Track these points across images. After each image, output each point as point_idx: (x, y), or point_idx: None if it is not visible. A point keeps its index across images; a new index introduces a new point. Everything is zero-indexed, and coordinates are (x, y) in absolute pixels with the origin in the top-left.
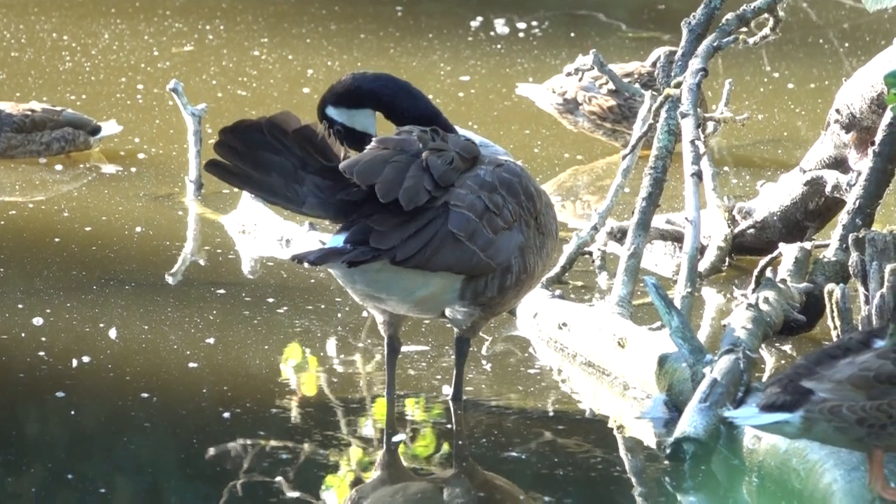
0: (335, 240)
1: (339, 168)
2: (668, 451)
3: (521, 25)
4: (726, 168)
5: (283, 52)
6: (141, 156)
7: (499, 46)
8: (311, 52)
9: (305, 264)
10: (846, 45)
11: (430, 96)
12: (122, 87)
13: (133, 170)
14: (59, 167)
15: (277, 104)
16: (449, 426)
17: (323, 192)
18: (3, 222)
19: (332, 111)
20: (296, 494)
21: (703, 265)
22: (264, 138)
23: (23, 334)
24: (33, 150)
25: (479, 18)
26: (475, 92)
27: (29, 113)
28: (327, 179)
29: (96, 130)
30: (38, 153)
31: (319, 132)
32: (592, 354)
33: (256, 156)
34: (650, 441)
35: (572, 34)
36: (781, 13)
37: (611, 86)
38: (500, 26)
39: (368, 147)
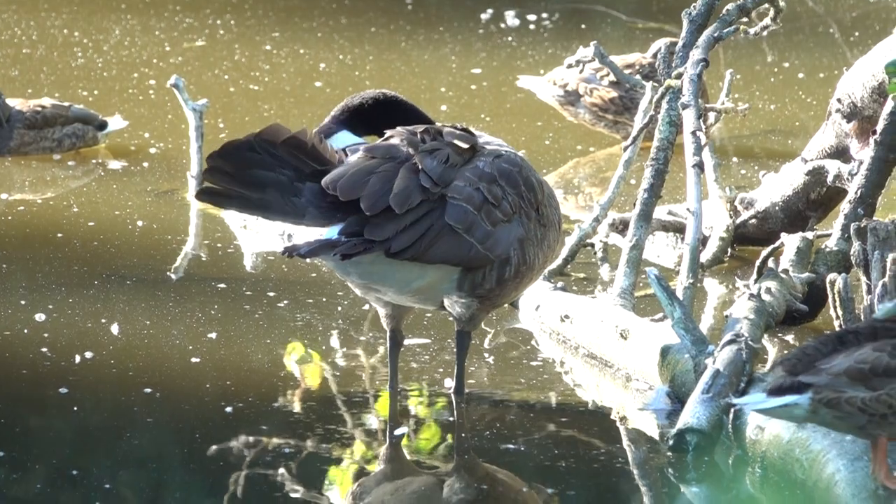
0: (331, 231)
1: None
2: (670, 442)
3: (532, 17)
4: (735, 159)
5: (295, 47)
6: (152, 151)
7: (509, 39)
8: (322, 46)
9: (297, 257)
10: (856, 34)
11: (442, 89)
12: (133, 83)
13: (145, 164)
14: (71, 163)
15: (290, 98)
16: (451, 419)
17: (319, 198)
18: (10, 218)
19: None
20: (299, 488)
21: (705, 256)
22: (255, 156)
23: (25, 330)
24: (46, 147)
25: (490, 11)
26: (487, 84)
27: (39, 109)
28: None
29: (103, 125)
30: (51, 150)
31: (309, 140)
32: (595, 346)
33: (249, 175)
34: (653, 432)
35: (583, 26)
36: (782, 3)
37: (612, 77)
38: (511, 18)
39: (357, 156)
